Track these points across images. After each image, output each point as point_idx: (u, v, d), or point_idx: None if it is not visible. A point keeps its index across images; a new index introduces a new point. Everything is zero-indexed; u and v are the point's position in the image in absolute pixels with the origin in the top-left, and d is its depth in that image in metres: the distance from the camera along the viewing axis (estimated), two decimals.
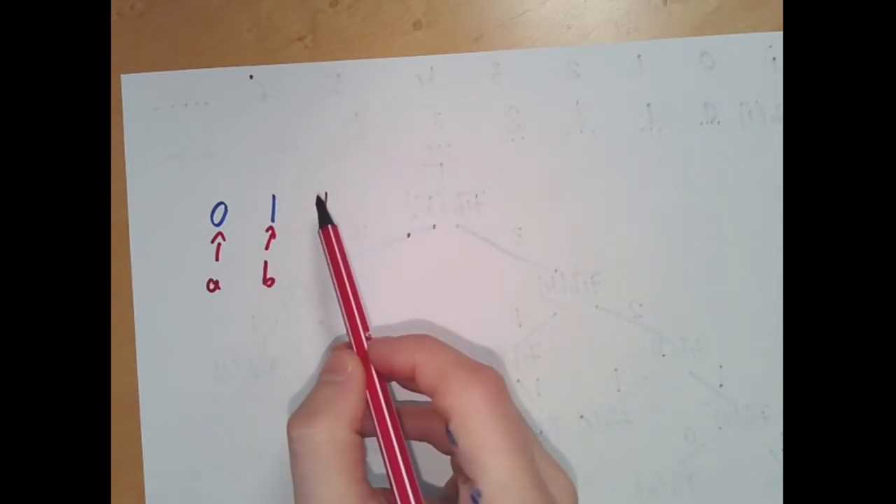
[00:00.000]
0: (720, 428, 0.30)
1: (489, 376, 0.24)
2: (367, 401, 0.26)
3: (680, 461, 0.30)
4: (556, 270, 0.30)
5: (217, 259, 0.30)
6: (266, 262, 0.30)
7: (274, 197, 0.30)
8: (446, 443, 0.24)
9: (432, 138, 0.30)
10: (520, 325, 0.30)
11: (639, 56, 0.30)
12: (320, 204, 0.29)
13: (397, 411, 0.26)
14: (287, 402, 0.30)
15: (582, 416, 0.30)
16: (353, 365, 0.26)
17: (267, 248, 0.30)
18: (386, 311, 0.30)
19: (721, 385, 0.30)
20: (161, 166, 0.30)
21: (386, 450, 0.25)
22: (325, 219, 0.29)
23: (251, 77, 0.30)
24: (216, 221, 0.30)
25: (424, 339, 0.25)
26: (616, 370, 0.30)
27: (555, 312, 0.30)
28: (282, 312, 0.30)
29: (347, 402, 0.25)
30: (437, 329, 0.30)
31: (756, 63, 0.30)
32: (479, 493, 0.22)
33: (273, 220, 0.30)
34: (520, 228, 0.30)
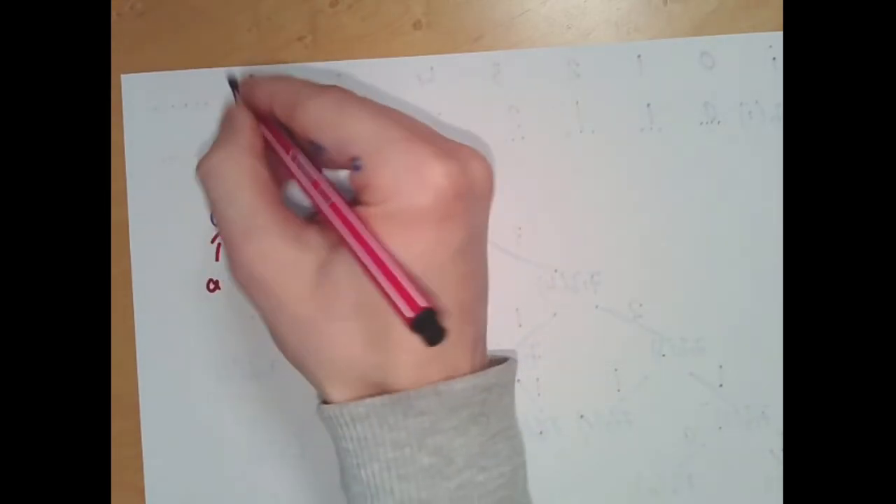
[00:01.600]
0: (720, 428, 0.30)
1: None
2: (262, 137, 0.27)
3: (680, 461, 0.30)
4: (556, 270, 0.30)
5: (217, 259, 0.30)
6: None
7: None
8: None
9: None
10: (520, 325, 0.30)
11: (639, 56, 0.30)
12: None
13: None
14: (287, 402, 0.30)
15: (582, 416, 0.30)
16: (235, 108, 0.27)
17: None
18: None
19: (721, 385, 0.30)
20: (161, 166, 0.30)
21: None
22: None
23: (251, 77, 0.30)
24: (216, 221, 0.30)
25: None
26: (616, 370, 0.30)
27: (555, 312, 0.30)
28: None
29: (240, 134, 0.26)
30: None
31: (756, 63, 0.30)
32: (358, 160, 0.23)
33: None
34: (520, 228, 0.30)
